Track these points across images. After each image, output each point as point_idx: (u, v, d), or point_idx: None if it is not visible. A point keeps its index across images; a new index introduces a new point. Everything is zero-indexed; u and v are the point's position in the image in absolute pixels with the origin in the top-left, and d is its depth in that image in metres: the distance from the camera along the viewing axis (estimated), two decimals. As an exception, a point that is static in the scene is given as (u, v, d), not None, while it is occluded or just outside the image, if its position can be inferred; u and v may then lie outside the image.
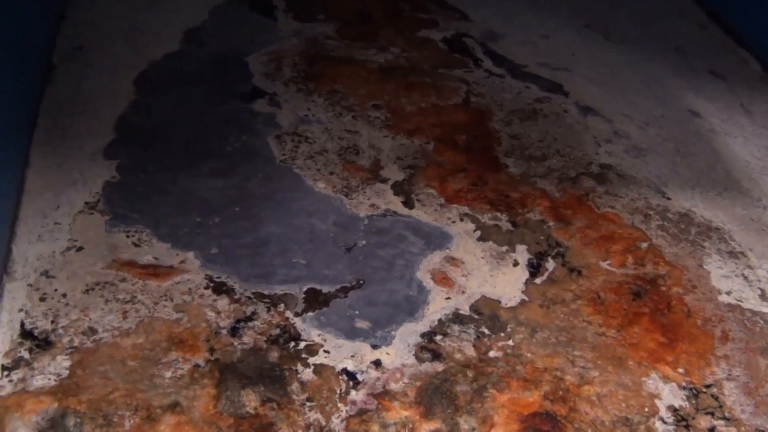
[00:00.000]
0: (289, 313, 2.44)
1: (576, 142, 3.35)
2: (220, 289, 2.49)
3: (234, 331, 2.36)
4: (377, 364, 2.32)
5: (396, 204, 2.90)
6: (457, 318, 2.49)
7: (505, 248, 2.76)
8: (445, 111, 3.46)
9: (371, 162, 3.09)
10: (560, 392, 2.32)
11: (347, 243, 2.71)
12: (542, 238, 2.82)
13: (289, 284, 2.53)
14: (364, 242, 2.72)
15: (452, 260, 2.70)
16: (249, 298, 2.47)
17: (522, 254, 2.75)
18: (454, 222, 2.85)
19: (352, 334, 2.40)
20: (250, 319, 2.40)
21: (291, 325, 2.40)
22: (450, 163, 3.13)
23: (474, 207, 2.92)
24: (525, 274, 2.67)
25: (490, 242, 2.78)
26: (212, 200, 2.81)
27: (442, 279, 2.62)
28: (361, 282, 2.57)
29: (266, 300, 2.47)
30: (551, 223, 2.89)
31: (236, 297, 2.47)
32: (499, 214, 2.91)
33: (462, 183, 3.03)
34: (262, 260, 2.60)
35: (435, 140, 3.26)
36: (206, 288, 2.48)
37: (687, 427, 2.28)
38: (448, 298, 2.55)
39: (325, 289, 2.53)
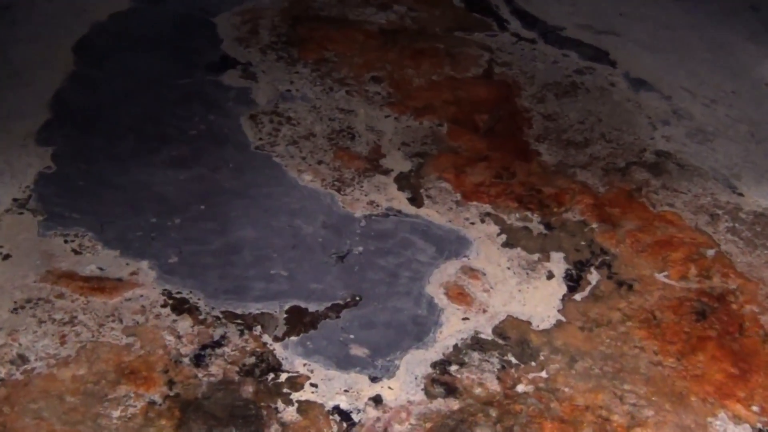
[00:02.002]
0: (266, 338, 2.45)
1: (626, 124, 3.36)
2: (181, 307, 2.50)
3: (198, 360, 2.37)
4: (377, 401, 2.33)
5: (401, 201, 2.91)
6: (476, 343, 2.50)
7: (536, 256, 2.77)
8: (462, 85, 3.47)
9: (370, 149, 3.10)
10: (605, 436, 2.33)
11: (340, 250, 2.72)
12: (583, 243, 2.84)
13: (267, 301, 2.54)
14: (360, 249, 2.73)
15: (471, 271, 2.71)
16: (217, 318, 2.48)
17: (558, 264, 2.76)
18: (473, 223, 2.86)
19: (345, 363, 2.41)
20: (218, 344, 2.42)
21: (269, 353, 2.41)
22: (468, 150, 3.14)
23: (498, 205, 2.93)
24: (562, 289, 2.68)
25: (519, 249, 2.79)
26: (171, 196, 2.82)
27: (459, 295, 2.63)
28: (357, 298, 2.58)
29: (238, 321, 2.48)
30: (594, 225, 2.90)
31: (201, 317, 2.48)
32: (529, 213, 2.92)
33: (483, 175, 3.04)
34: (234, 271, 2.61)
35: (449, 121, 3.27)
36: (164, 306, 2.49)
37: (764, 479, 2.29)
38: (465, 319, 2.56)
39: (311, 307, 2.54)
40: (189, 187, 2.85)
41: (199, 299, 2.52)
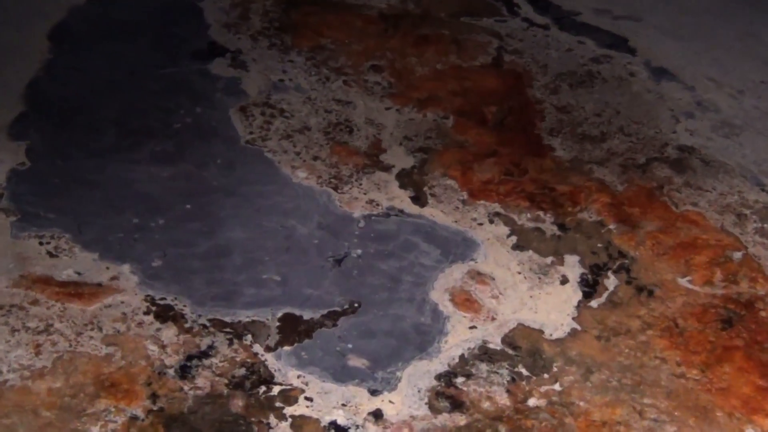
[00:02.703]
0: (258, 348, 2.45)
1: (646, 117, 3.36)
2: (165, 314, 2.50)
3: (184, 372, 2.37)
4: (377, 416, 2.34)
5: (402, 200, 2.91)
6: (484, 354, 2.50)
7: (549, 260, 2.78)
8: (469, 74, 3.47)
9: (369, 143, 3.10)
10: (624, 454, 2.33)
11: (337, 253, 2.72)
12: (600, 245, 2.84)
13: (259, 308, 2.55)
14: (359, 251, 2.73)
15: (478, 276, 2.71)
16: (204, 326, 2.49)
17: (573, 268, 2.76)
18: (481, 224, 2.86)
19: (343, 375, 2.42)
20: (205, 355, 2.42)
21: (261, 364, 2.42)
22: (476, 145, 3.15)
23: (508, 204, 2.94)
24: (577, 295, 2.68)
25: (530, 251, 2.79)
26: (154, 195, 2.82)
27: (465, 301, 2.63)
28: (356, 305, 2.58)
29: (227, 330, 2.48)
30: (612, 226, 2.90)
31: (187, 326, 2.48)
32: (541, 213, 2.92)
33: (492, 172, 3.04)
34: (222, 276, 2.61)
35: (455, 114, 3.27)
36: (146, 313, 2.49)
37: (795, 500, 2.29)
38: (472, 328, 2.57)
39: (306, 314, 2.55)
40: (174, 185, 2.86)
41: (184, 306, 2.52)
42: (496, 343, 2.52)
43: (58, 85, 3.16)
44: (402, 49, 3.55)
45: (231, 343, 2.45)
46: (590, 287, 2.70)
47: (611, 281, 2.73)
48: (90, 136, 2.98)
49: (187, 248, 2.67)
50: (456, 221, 2.85)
